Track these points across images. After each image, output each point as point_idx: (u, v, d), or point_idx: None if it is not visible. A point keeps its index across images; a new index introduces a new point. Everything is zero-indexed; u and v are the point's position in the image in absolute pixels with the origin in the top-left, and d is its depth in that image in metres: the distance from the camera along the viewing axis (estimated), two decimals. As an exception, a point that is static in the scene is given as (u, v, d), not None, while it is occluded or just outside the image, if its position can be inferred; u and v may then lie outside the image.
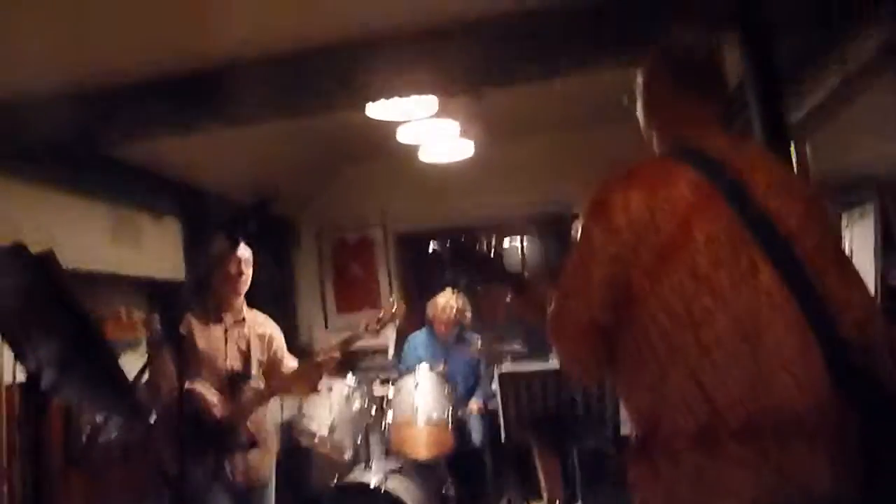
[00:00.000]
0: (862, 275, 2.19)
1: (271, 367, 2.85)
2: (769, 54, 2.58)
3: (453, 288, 4.34)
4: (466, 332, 4.56)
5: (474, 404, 4.29)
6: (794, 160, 2.99)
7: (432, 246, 1.80)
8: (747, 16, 2.51)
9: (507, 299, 1.73)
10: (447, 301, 4.39)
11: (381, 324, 2.85)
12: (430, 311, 4.51)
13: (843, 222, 2.57)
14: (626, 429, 2.37)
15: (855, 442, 1.13)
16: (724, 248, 1.22)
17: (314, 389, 3.02)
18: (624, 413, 2.27)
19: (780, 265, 1.21)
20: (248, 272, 2.81)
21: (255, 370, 2.77)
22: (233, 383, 2.68)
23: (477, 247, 1.76)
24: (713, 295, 1.20)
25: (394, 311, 2.86)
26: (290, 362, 2.92)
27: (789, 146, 2.77)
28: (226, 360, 2.71)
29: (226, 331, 2.76)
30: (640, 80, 1.52)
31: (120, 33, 2.57)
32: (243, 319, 2.83)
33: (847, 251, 2.51)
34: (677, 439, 1.19)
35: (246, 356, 2.77)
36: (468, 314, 4.45)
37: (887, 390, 1.15)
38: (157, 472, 2.56)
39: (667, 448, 1.21)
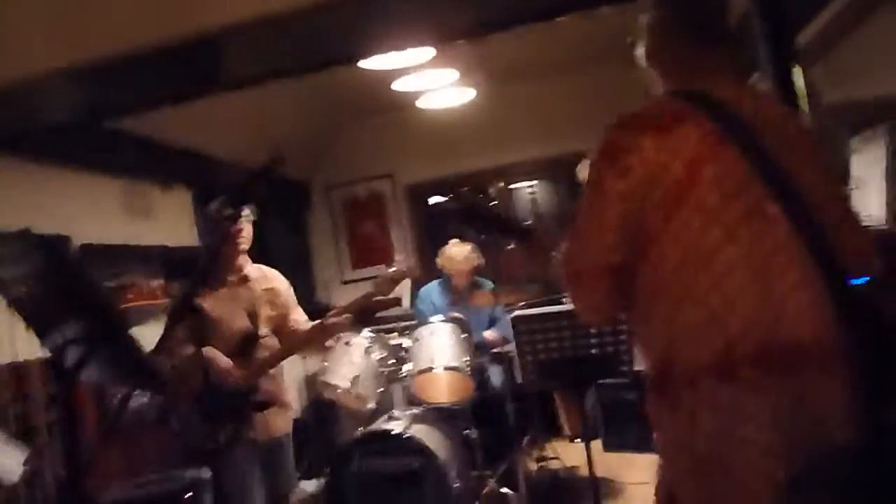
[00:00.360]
0: (871, 198, 2.20)
1: (281, 321, 2.87)
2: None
3: (461, 238, 4.35)
4: (480, 280, 4.59)
5: (491, 336, 4.33)
6: (803, 85, 2.95)
7: (435, 200, 1.83)
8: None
9: (511, 248, 1.75)
10: (458, 250, 4.39)
11: (394, 282, 2.82)
12: (441, 261, 4.53)
13: (854, 146, 2.54)
14: (641, 365, 2.42)
15: (860, 366, 1.20)
16: (731, 184, 1.27)
17: (324, 350, 3.04)
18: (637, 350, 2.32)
19: (784, 201, 1.26)
20: (248, 229, 2.78)
21: (264, 328, 2.79)
22: (244, 344, 2.70)
23: (480, 199, 1.81)
24: (722, 228, 1.25)
25: (406, 269, 2.83)
26: (298, 315, 2.93)
27: (795, 74, 2.72)
28: (233, 322, 2.72)
29: (230, 291, 2.77)
30: (643, 23, 1.52)
31: (114, 4, 2.55)
32: (247, 277, 2.83)
33: (856, 175, 2.50)
34: (694, 369, 1.25)
35: (254, 315, 2.78)
36: (480, 261, 4.44)
37: (885, 319, 1.22)
38: (177, 441, 2.63)
39: (684, 378, 1.26)
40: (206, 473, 2.82)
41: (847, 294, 1.24)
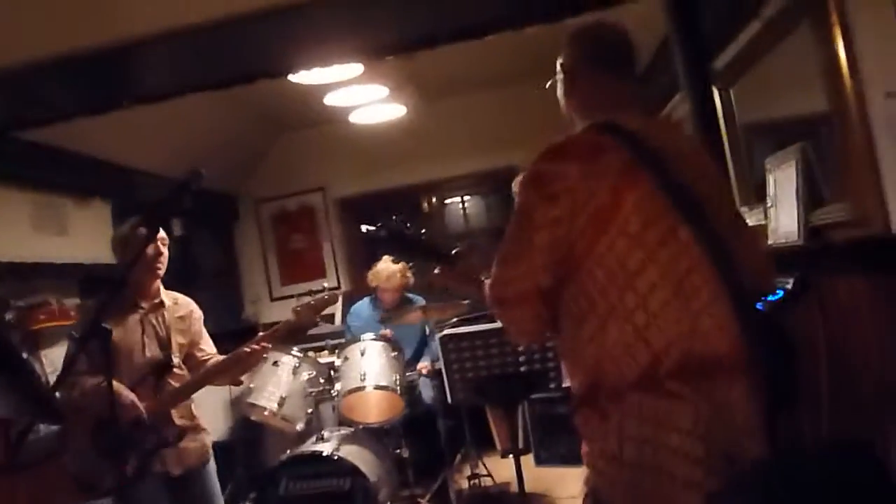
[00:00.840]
0: (786, 217, 2.28)
1: (191, 349, 2.73)
2: (693, 5, 2.60)
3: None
4: (410, 296, 4.57)
5: (422, 366, 4.33)
6: (718, 108, 3.07)
7: (364, 228, 1.91)
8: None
9: (436, 272, 1.81)
10: (388, 267, 4.37)
11: (318, 310, 2.73)
12: (371, 277, 4.49)
13: (767, 167, 2.64)
14: (568, 381, 2.45)
15: (764, 379, 1.32)
16: (650, 210, 1.37)
17: (237, 382, 2.90)
18: (565, 367, 2.35)
19: (694, 225, 1.37)
20: (166, 252, 2.63)
21: (176, 357, 2.64)
22: (155, 373, 2.56)
23: (407, 228, 1.89)
24: (644, 250, 1.34)
25: (328, 297, 2.74)
26: (207, 346, 2.80)
27: (713, 95, 2.82)
28: (143, 350, 2.59)
29: (142, 319, 2.62)
30: (560, 64, 1.63)
31: (29, 13, 2.42)
32: (161, 303, 2.68)
33: (772, 195, 2.60)
34: (622, 383, 1.34)
35: (166, 343, 2.64)
36: (410, 279, 4.44)
37: (785, 335, 1.37)
38: (71, 477, 2.46)
39: (612, 393, 1.35)
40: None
41: (752, 312, 1.35)
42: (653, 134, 1.45)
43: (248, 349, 2.62)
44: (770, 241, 2.57)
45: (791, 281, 2.21)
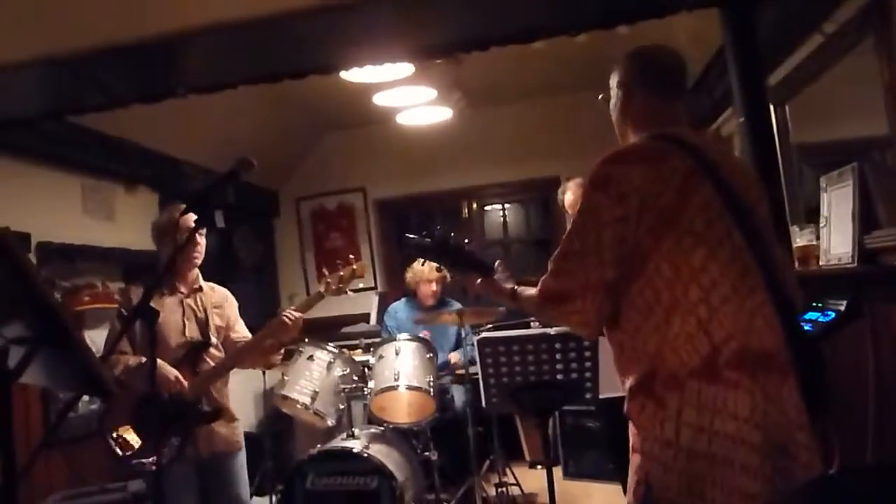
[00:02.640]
0: (840, 238, 2.24)
1: (227, 333, 2.81)
2: (749, 19, 2.55)
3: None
4: (447, 300, 4.56)
5: (454, 356, 4.33)
6: (773, 124, 3.00)
7: (409, 237, 1.94)
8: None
9: (477, 283, 1.88)
10: (426, 267, 4.38)
11: (344, 282, 2.77)
12: (409, 277, 4.51)
13: (822, 185, 2.57)
14: (607, 392, 2.42)
15: (798, 377, 1.45)
16: (712, 212, 1.48)
17: (272, 365, 2.95)
18: (604, 376, 2.35)
19: (746, 232, 1.49)
20: (203, 242, 2.72)
21: (215, 337, 2.73)
22: (193, 353, 2.64)
23: (452, 238, 1.90)
24: (707, 248, 1.45)
25: (354, 268, 2.78)
26: (242, 329, 2.87)
27: (768, 110, 2.76)
28: (183, 330, 2.68)
29: (182, 301, 2.72)
30: (616, 80, 1.73)
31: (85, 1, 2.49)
32: (200, 288, 2.78)
33: (825, 215, 2.53)
34: (681, 371, 1.42)
35: (204, 324, 2.73)
36: (447, 279, 4.45)
37: (814, 345, 1.52)
38: (108, 453, 2.52)
39: (670, 380, 1.43)
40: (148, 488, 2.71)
41: (793, 320, 1.50)
42: (709, 147, 1.58)
43: (281, 319, 2.66)
44: (821, 263, 2.51)
45: (843, 304, 2.15)
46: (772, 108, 3.01)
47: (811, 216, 2.78)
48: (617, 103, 1.73)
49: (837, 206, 2.42)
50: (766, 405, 1.38)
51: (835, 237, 2.43)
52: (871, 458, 2.06)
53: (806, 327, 2.17)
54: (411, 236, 1.93)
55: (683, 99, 1.72)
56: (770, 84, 2.92)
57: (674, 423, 1.42)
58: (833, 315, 2.09)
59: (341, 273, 2.78)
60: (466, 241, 1.95)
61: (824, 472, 1.39)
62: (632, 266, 1.47)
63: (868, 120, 2.59)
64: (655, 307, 1.46)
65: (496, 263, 1.89)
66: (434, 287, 4.45)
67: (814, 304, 2.25)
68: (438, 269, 4.17)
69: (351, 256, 2.88)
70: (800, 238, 2.71)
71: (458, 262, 1.93)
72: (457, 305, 4.39)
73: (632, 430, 1.56)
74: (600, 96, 1.81)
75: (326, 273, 2.83)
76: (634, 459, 1.54)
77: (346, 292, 2.83)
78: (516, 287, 1.77)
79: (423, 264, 4.38)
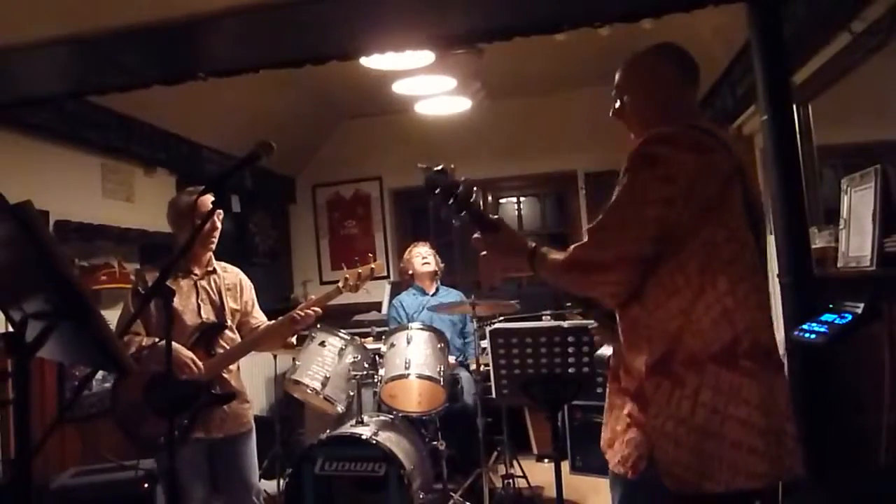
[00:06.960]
0: (859, 241, 2.23)
1: (243, 317, 2.85)
2: (777, 15, 2.52)
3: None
4: (449, 288, 4.61)
5: (470, 361, 4.33)
6: (796, 122, 2.97)
7: (419, 166, 1.81)
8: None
9: (475, 236, 1.76)
10: (419, 252, 4.49)
11: (361, 280, 2.82)
12: (408, 267, 4.55)
13: (843, 186, 2.54)
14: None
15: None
16: (740, 212, 1.56)
17: (287, 346, 3.02)
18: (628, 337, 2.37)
19: (756, 236, 1.60)
20: (220, 226, 2.75)
21: (230, 319, 2.76)
22: (208, 335, 2.67)
23: (465, 182, 1.75)
24: (738, 244, 1.54)
25: (372, 266, 2.82)
26: (259, 315, 2.90)
27: (792, 108, 2.73)
28: (199, 312, 2.70)
29: (196, 283, 2.74)
30: (639, 73, 1.74)
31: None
32: (213, 270, 2.81)
33: (845, 216, 2.50)
34: (702, 354, 1.49)
35: (220, 306, 2.76)
36: (441, 264, 4.56)
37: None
38: (121, 431, 2.55)
39: (689, 361, 1.49)
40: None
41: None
42: (735, 145, 1.64)
43: (297, 314, 2.70)
44: (839, 265, 2.48)
45: (860, 306, 2.13)
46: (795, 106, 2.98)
47: (829, 218, 2.75)
48: (643, 96, 1.73)
49: (857, 208, 2.39)
50: (770, 395, 1.50)
51: (854, 239, 2.40)
52: (886, 459, 2.05)
53: (821, 329, 2.17)
54: (423, 165, 1.79)
55: (697, 89, 1.78)
56: (794, 82, 2.89)
57: (691, 401, 1.48)
58: (850, 317, 2.07)
59: (359, 271, 2.83)
60: (475, 189, 1.75)
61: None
62: (667, 247, 1.52)
63: (888, 122, 2.56)
64: (684, 290, 1.52)
65: (496, 217, 1.77)
66: (428, 262, 4.48)
67: (829, 306, 2.24)
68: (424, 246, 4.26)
69: (370, 255, 2.92)
70: (818, 239, 2.68)
71: (462, 210, 1.75)
72: (455, 293, 4.43)
73: (627, 405, 1.58)
74: (613, 93, 1.77)
75: (345, 268, 2.87)
76: (631, 434, 1.56)
77: (360, 287, 2.87)
78: (536, 245, 1.69)
79: (418, 246, 4.53)
